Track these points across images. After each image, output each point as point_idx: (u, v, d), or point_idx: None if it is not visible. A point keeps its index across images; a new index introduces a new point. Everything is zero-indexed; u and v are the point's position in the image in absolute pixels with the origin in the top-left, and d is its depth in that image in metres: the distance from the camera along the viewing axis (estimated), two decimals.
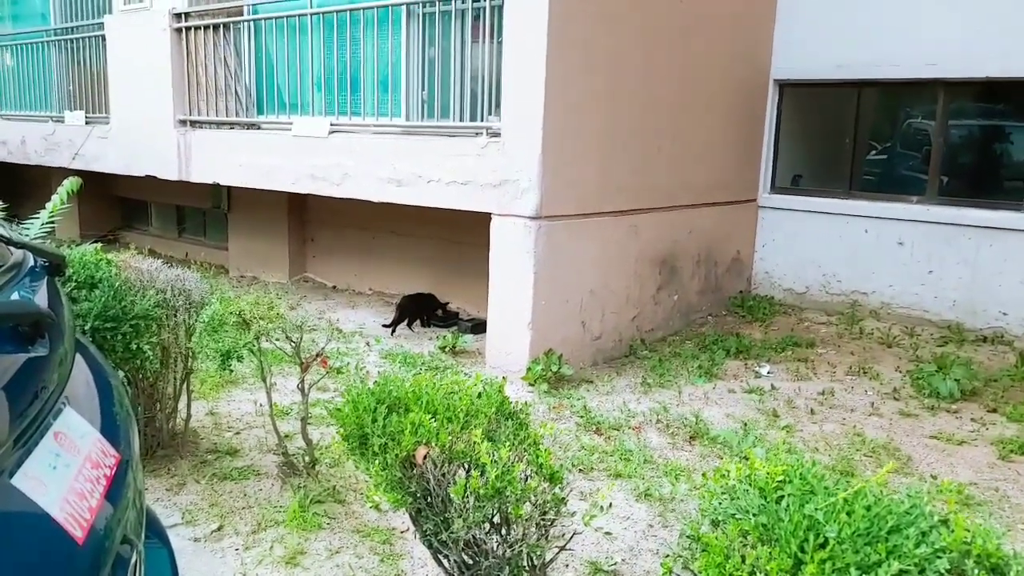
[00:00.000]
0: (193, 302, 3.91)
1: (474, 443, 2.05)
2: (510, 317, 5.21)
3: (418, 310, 6.59)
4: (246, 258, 8.77)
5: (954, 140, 7.16)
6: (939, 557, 1.60)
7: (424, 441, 2.09)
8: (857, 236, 7.25)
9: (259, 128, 6.92)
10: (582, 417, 4.63)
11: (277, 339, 3.63)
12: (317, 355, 3.64)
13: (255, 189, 7.11)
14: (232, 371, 3.69)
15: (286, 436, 3.99)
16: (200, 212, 9.70)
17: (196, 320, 3.90)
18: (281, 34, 6.62)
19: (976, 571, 1.59)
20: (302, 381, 3.65)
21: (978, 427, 4.76)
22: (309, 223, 8.44)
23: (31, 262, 1.90)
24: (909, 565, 1.58)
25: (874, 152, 7.65)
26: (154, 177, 7.89)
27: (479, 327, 6.26)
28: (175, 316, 3.87)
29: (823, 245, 7.43)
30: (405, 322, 6.47)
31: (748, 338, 6.46)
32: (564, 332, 5.40)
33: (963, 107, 7.14)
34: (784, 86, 7.64)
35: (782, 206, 7.68)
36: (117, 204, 10.84)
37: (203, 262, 8.75)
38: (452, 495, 2.01)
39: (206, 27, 7.07)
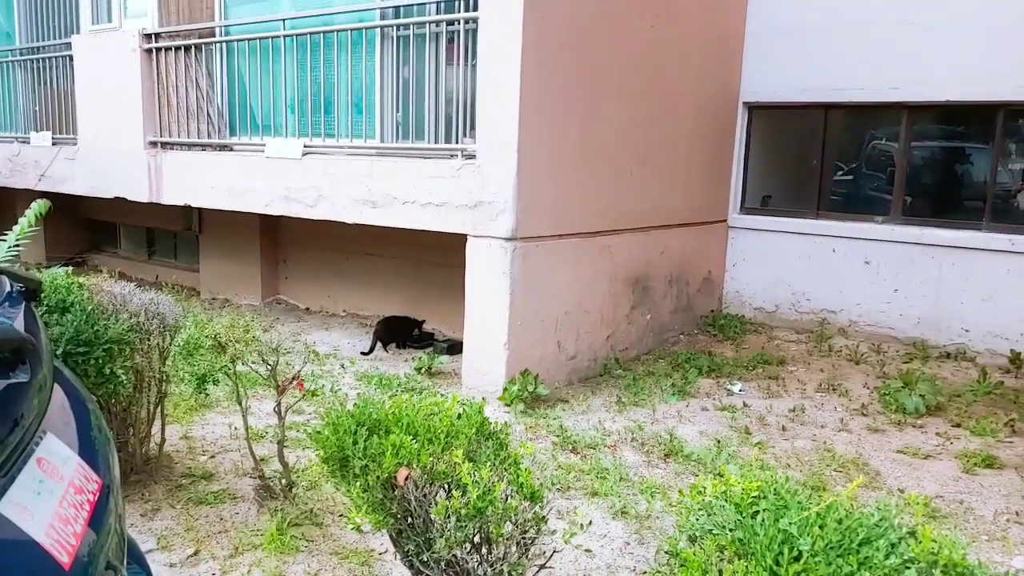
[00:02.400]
0: (167, 325, 3.88)
1: (455, 464, 2.07)
2: (486, 338, 5.24)
3: (394, 333, 6.59)
4: (218, 280, 8.70)
5: (917, 161, 7.36)
6: (908, 568, 1.66)
7: (405, 463, 2.11)
8: (825, 255, 7.41)
9: (231, 150, 6.90)
10: (558, 436, 4.65)
11: (253, 362, 3.62)
12: (294, 378, 3.63)
13: (227, 211, 7.08)
14: (208, 394, 3.68)
15: (262, 459, 3.97)
16: (171, 234, 9.62)
17: (170, 344, 3.88)
18: (254, 55, 6.63)
19: None
20: (278, 404, 3.64)
21: (943, 441, 4.87)
22: (282, 244, 8.41)
23: (7, 287, 1.90)
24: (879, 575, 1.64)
25: (841, 173, 7.84)
26: (124, 199, 7.81)
27: (455, 348, 6.27)
28: (148, 340, 3.83)
29: (792, 264, 7.58)
30: (380, 345, 6.48)
31: (720, 356, 6.55)
32: (540, 352, 5.44)
33: (925, 129, 7.36)
34: (753, 108, 7.81)
35: (752, 226, 7.82)
36: (84, 226, 10.70)
37: (174, 284, 8.68)
38: (433, 515, 2.02)
39: (177, 48, 7.05)
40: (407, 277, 7.37)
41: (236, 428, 4.73)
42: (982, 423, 5.07)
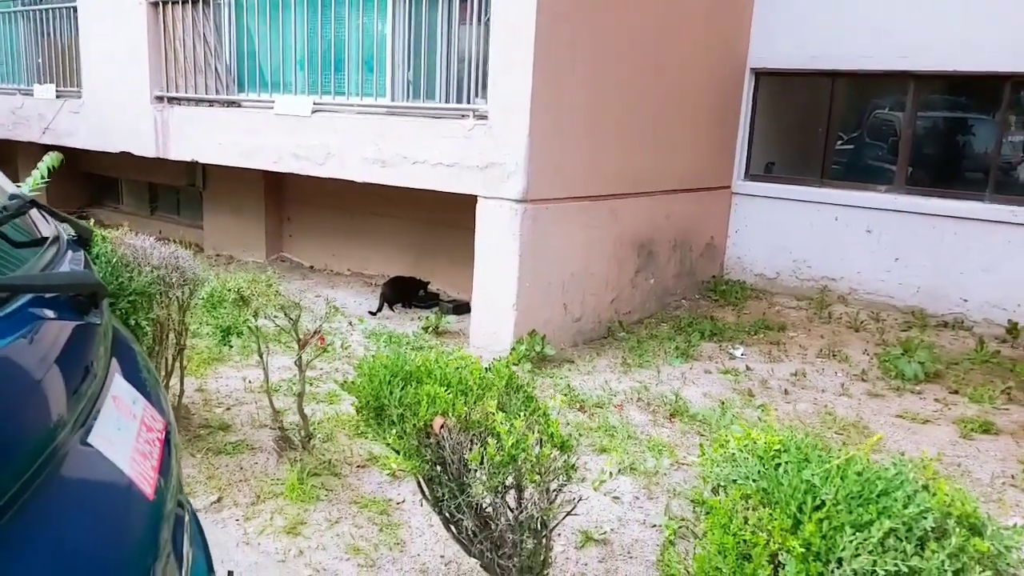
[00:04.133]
0: (187, 279, 3.94)
1: (489, 413, 2.15)
2: (495, 298, 5.31)
3: (400, 293, 6.66)
4: (222, 237, 8.72)
5: (922, 131, 7.40)
6: (924, 517, 1.75)
7: (441, 411, 2.19)
8: (827, 223, 7.48)
9: (240, 106, 6.88)
10: (566, 395, 4.76)
11: (275, 316, 3.69)
12: (315, 332, 3.70)
13: (232, 167, 7.08)
14: (231, 347, 3.74)
15: (278, 412, 4.06)
16: (174, 190, 9.60)
17: (190, 297, 3.94)
18: (263, 11, 6.58)
19: (957, 529, 1.74)
20: (299, 357, 3.71)
21: (941, 407, 5.00)
22: (286, 202, 8.42)
23: (66, 235, 1.95)
24: (898, 523, 1.73)
25: (844, 142, 7.88)
26: (128, 153, 7.79)
27: (460, 308, 6.35)
28: (169, 293, 3.89)
29: (794, 231, 7.65)
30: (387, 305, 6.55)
31: (722, 321, 6.65)
32: (547, 314, 5.52)
33: (931, 99, 7.38)
34: (760, 75, 7.81)
35: (755, 193, 7.87)
36: (86, 180, 10.66)
37: (178, 240, 8.67)
38: (469, 461, 2.11)
39: (184, 1, 6.98)
40: (412, 237, 7.42)
41: (250, 381, 4.82)
42: (979, 390, 5.20)
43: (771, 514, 1.85)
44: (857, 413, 4.81)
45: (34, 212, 1.78)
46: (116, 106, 7.67)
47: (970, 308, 6.87)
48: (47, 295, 1.43)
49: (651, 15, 6.10)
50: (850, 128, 7.89)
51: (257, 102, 6.69)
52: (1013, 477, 4.03)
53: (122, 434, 1.44)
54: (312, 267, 8.22)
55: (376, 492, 3.56)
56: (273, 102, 6.44)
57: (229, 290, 3.62)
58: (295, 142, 6.25)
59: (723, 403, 4.77)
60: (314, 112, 6.15)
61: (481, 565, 2.46)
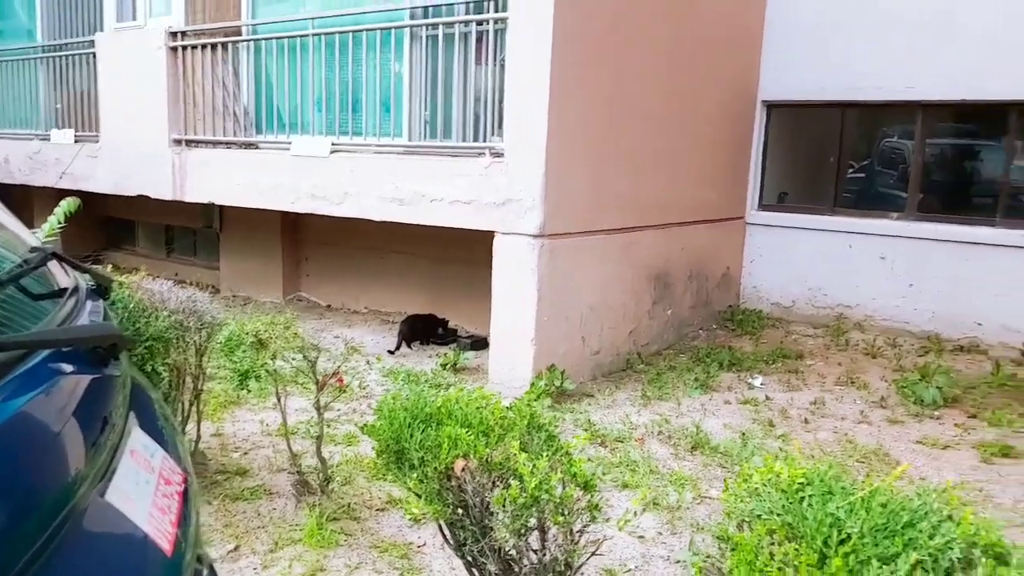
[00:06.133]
0: (204, 323, 3.96)
1: (511, 454, 2.15)
2: (513, 333, 5.32)
3: (418, 331, 6.68)
4: (238, 278, 8.80)
5: (931, 159, 7.42)
6: (951, 548, 1.74)
7: (463, 453, 2.19)
8: (841, 251, 7.47)
9: (257, 147, 6.98)
10: (586, 430, 4.73)
11: (293, 358, 3.70)
12: (334, 374, 3.72)
13: (248, 208, 7.16)
14: (249, 390, 3.75)
15: (296, 455, 4.05)
16: (190, 231, 9.71)
17: (207, 341, 3.96)
18: (281, 54, 6.71)
19: (983, 559, 1.72)
20: (317, 400, 3.72)
21: (960, 432, 4.94)
22: (303, 242, 8.50)
23: (85, 285, 1.98)
24: (925, 555, 1.71)
25: (855, 170, 7.89)
26: (145, 197, 7.90)
27: (479, 344, 6.36)
28: (187, 337, 3.91)
29: (809, 260, 7.64)
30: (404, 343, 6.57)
31: (739, 351, 6.62)
32: (565, 347, 5.52)
33: (940, 127, 7.41)
34: (771, 107, 7.87)
35: (769, 223, 7.88)
36: (102, 224, 10.78)
37: (194, 282, 8.77)
38: (492, 505, 2.11)
39: (203, 46, 7.13)
40: (429, 274, 7.46)
41: (267, 424, 4.81)
42: (998, 414, 5.14)
43: (797, 549, 1.83)
44: (877, 440, 4.76)
45: (53, 263, 1.80)
46: (134, 149, 7.79)
47: (985, 332, 6.82)
48: (67, 348, 1.44)
49: (663, 50, 6.18)
50: (861, 156, 7.91)
51: (275, 143, 6.79)
52: None
53: (140, 488, 1.45)
54: (329, 306, 8.27)
55: (396, 536, 3.53)
56: (291, 143, 6.54)
57: (247, 333, 3.64)
58: (312, 182, 6.33)
59: (744, 434, 4.73)
60: (332, 152, 6.24)
61: None
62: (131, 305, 3.63)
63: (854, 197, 7.78)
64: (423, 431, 2.30)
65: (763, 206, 8.00)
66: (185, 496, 1.68)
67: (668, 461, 4.37)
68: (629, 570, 3.25)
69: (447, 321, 6.82)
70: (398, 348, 6.48)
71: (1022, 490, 4.11)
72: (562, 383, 5.19)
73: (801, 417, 5.15)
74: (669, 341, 6.83)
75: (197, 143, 7.41)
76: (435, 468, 2.22)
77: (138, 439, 1.67)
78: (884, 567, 1.70)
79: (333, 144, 6.21)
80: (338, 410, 5.03)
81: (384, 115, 6.06)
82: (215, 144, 7.28)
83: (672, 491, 3.95)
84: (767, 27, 7.69)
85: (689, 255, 6.98)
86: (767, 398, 5.48)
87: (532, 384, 5.21)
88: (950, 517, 1.87)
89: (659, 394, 5.51)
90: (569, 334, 5.57)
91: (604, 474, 4.14)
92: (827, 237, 7.55)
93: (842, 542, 1.79)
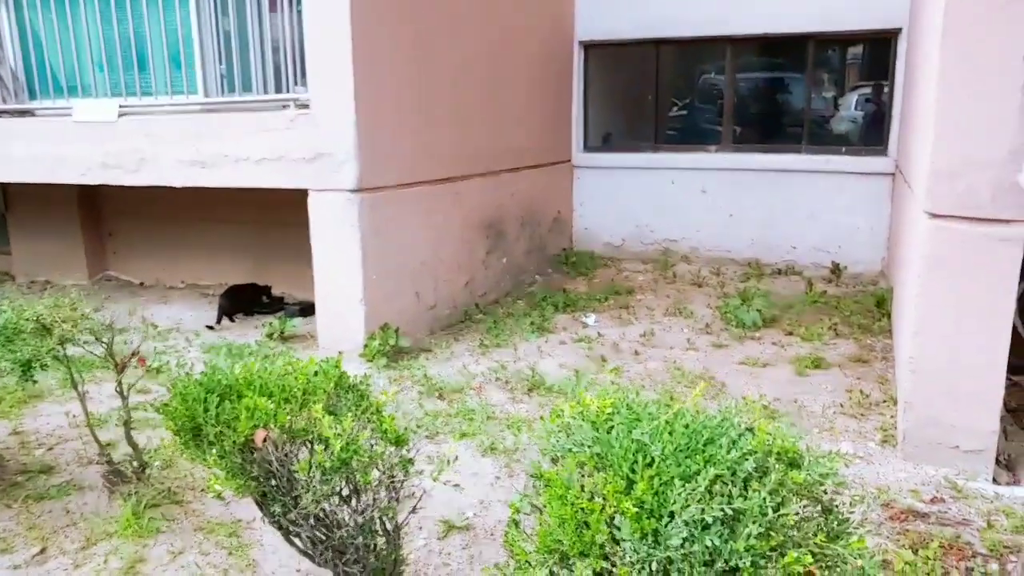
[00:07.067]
0: None
1: (315, 419, 2.02)
2: (340, 295, 5.11)
3: (240, 302, 6.31)
4: (35, 261, 7.94)
5: (743, 92, 7.80)
6: (746, 459, 1.79)
7: (262, 424, 2.03)
8: (664, 187, 7.75)
9: (34, 115, 6.24)
10: (424, 385, 4.66)
11: (86, 342, 3.35)
12: (133, 354, 3.41)
13: (37, 184, 6.42)
14: (36, 383, 3.37)
15: (108, 444, 3.72)
16: None
17: None
18: (47, 8, 5.96)
19: (777, 466, 1.79)
20: (119, 383, 3.41)
21: (778, 350, 5.30)
22: (106, 216, 7.78)
23: None
24: (723, 469, 1.75)
25: (679, 108, 8.17)
26: None
27: (307, 310, 6.09)
28: None
29: (635, 198, 7.87)
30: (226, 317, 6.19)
31: (574, 292, 6.76)
32: (398, 304, 5.39)
33: (749, 62, 7.79)
34: (588, 47, 7.95)
35: (595, 164, 8.04)
36: None
37: None
38: (297, 473, 1.97)
39: None
40: (250, 241, 7.04)
41: (74, 416, 4.40)
42: (811, 329, 5.55)
43: (605, 478, 1.83)
44: (703, 365, 5.01)
45: None
46: None
47: (799, 254, 7.33)
48: None
49: None
50: (682, 94, 8.19)
51: (53, 109, 6.08)
52: (841, 405, 4.32)
53: None
54: (143, 283, 7.65)
55: (223, 515, 3.32)
56: (71, 108, 5.87)
57: (27, 319, 3.24)
58: (103, 150, 5.73)
59: (578, 371, 4.83)
60: (121, 116, 5.67)
61: (335, 574, 2.33)
62: None
63: (677, 134, 8.07)
64: (219, 405, 2.12)
65: (588, 148, 8.14)
66: None
67: (505, 406, 4.38)
68: (467, 518, 3.22)
69: (270, 288, 6.48)
70: (219, 322, 6.10)
71: (830, 397, 4.45)
72: (397, 341, 5.07)
73: (632, 350, 5.32)
74: (506, 289, 6.85)
75: None
76: (233, 442, 2.05)
77: None
78: (686, 485, 1.72)
79: (121, 106, 5.64)
80: (156, 393, 4.67)
81: (175, 71, 5.56)
82: None
83: (509, 435, 3.96)
84: None
85: (520, 201, 6.99)
86: (599, 335, 5.62)
87: (366, 345, 5.05)
88: (751, 430, 1.94)
89: (496, 342, 5.52)
90: (401, 290, 5.43)
91: (443, 425, 4.09)
92: (651, 175, 7.80)
93: (648, 466, 1.81)
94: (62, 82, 6.11)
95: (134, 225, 7.63)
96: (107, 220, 7.78)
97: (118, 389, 3.44)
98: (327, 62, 4.82)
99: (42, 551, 3.12)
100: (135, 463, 3.58)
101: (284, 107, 5.09)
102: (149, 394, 4.60)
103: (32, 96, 6.30)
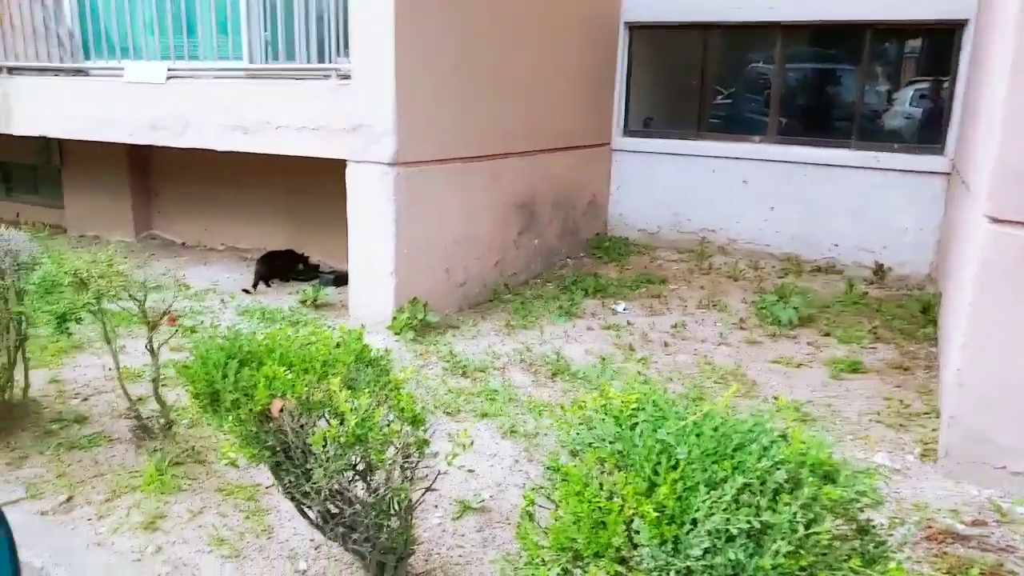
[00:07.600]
0: (22, 263, 3.59)
1: (332, 392, 2.02)
2: (372, 267, 5.13)
3: (276, 268, 6.38)
4: (85, 216, 8.12)
5: (792, 82, 7.59)
6: (778, 469, 1.71)
7: (280, 394, 2.04)
8: (705, 176, 7.60)
9: (88, 75, 6.34)
10: (448, 362, 4.66)
11: (120, 299, 3.41)
12: (164, 313, 3.46)
13: (90, 142, 6.55)
14: (71, 334, 3.45)
15: (139, 399, 3.80)
16: (29, 168, 8.84)
17: (26, 283, 3.60)
18: None
19: (810, 479, 1.70)
20: (150, 340, 3.47)
21: (814, 350, 5.17)
22: (153, 176, 7.90)
23: None
24: (752, 478, 1.67)
25: (724, 96, 8.00)
26: None
27: (341, 279, 6.13)
28: (2, 280, 3.54)
29: (673, 185, 7.74)
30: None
31: (605, 278, 6.69)
32: (428, 280, 5.39)
33: (799, 51, 7.57)
34: (634, 28, 7.80)
35: (634, 149, 7.91)
36: None
37: (37, 222, 8.06)
38: (312, 445, 1.98)
39: None
40: (289, 207, 7.09)
41: (110, 369, 4.48)
42: (849, 332, 5.41)
43: (626, 477, 1.78)
44: (735, 361, 4.92)
45: None
46: None
47: (841, 252, 7.15)
48: None
49: None
50: (728, 82, 8.01)
51: (106, 69, 6.18)
52: (879, 413, 4.19)
53: None
54: (184, 244, 7.78)
55: (243, 478, 3.37)
56: (123, 69, 5.95)
57: (65, 273, 3.31)
58: (150, 112, 5.81)
59: (604, 359, 4.78)
60: (169, 78, 5.72)
61: (345, 549, 2.35)
62: None
63: (720, 122, 7.90)
64: (238, 371, 2.13)
65: (628, 132, 8.01)
66: None
67: (528, 388, 4.36)
68: (483, 500, 3.22)
69: (307, 257, 6.53)
70: (255, 287, 6.17)
71: (867, 404, 4.31)
72: (425, 316, 5.07)
73: (661, 341, 5.25)
74: (536, 271, 6.81)
75: (20, 70, 6.65)
76: (250, 410, 2.06)
77: None
78: (712, 492, 1.65)
79: (169, 69, 5.69)
80: (189, 350, 4.73)
81: (222, 37, 5.59)
82: (41, 71, 6.55)
83: (530, 418, 3.94)
84: None
85: (555, 183, 6.93)
86: (629, 323, 5.56)
87: (394, 318, 5.07)
88: (784, 437, 1.84)
89: (523, 323, 5.49)
90: (432, 266, 5.43)
91: (464, 404, 4.09)
92: (691, 162, 7.65)
93: (672, 468, 1.74)
94: (115, 43, 6.20)
95: (178, 187, 7.74)
96: (153, 180, 7.91)
97: (148, 346, 3.50)
98: (369, 35, 4.79)
99: (69, 499, 3.22)
100: (162, 420, 3.65)
101: (326, 77, 5.08)
102: (182, 352, 4.67)
103: (87, 56, 6.41)
